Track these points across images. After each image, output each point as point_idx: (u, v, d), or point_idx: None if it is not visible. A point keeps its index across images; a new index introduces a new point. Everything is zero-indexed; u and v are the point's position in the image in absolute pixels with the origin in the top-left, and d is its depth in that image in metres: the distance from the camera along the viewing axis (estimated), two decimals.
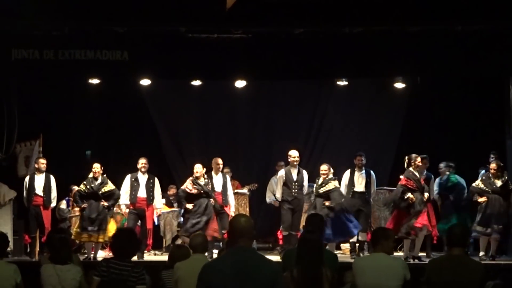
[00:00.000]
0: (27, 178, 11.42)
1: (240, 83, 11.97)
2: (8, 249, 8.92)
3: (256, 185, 12.67)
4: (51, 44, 10.55)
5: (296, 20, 10.37)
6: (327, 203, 10.84)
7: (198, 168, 11.16)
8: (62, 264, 6.14)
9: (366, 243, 11.22)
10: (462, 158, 12.29)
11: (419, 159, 10.76)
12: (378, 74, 11.54)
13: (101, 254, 11.36)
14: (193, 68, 11.00)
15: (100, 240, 10.85)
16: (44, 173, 11.35)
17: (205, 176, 11.23)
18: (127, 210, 11.43)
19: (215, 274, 4.06)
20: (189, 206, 11.01)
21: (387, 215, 11.60)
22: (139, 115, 13.63)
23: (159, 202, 11.55)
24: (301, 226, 11.01)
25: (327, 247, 9.66)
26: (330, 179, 11.05)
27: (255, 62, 10.91)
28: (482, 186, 10.71)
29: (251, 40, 10.69)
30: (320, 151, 13.51)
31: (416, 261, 10.45)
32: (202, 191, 11.04)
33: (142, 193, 11.20)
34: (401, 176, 10.84)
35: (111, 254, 8.42)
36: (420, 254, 10.75)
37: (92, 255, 10.95)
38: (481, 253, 10.59)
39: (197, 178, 11.13)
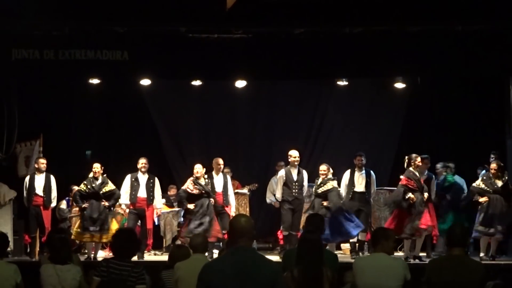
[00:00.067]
0: (27, 178, 11.42)
1: (240, 83, 11.97)
2: (8, 249, 8.90)
3: (256, 185, 12.67)
4: (51, 44, 10.55)
5: (296, 20, 10.37)
6: (325, 203, 10.84)
7: (199, 168, 11.16)
8: (62, 264, 6.14)
9: (366, 243, 11.23)
10: (462, 158, 12.30)
11: (419, 159, 10.77)
12: (378, 74, 11.54)
13: (101, 254, 11.36)
14: (193, 68, 11.00)
15: (104, 240, 10.85)
16: (44, 173, 11.35)
17: (205, 176, 11.23)
18: (127, 210, 11.43)
19: (215, 274, 4.06)
20: (191, 206, 11.01)
21: (387, 215, 11.61)
22: (139, 115, 13.63)
23: (159, 202, 11.55)
24: (301, 226, 11.01)
25: (327, 247, 9.66)
26: (329, 179, 11.05)
27: (255, 62, 10.91)
28: (483, 186, 10.71)
29: (251, 40, 10.70)
30: (320, 151, 13.51)
31: (417, 261, 10.45)
32: (203, 191, 11.03)
33: (142, 193, 11.20)
34: (401, 176, 10.85)
35: (111, 254, 8.42)
36: (420, 254, 10.75)
37: (92, 255, 10.94)
38: (482, 254, 10.58)
39: (198, 178, 11.12)
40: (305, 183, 11.26)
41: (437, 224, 10.97)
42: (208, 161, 11.91)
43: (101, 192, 10.93)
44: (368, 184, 11.20)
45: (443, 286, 5.31)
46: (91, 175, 11.06)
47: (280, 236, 11.22)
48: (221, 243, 11.08)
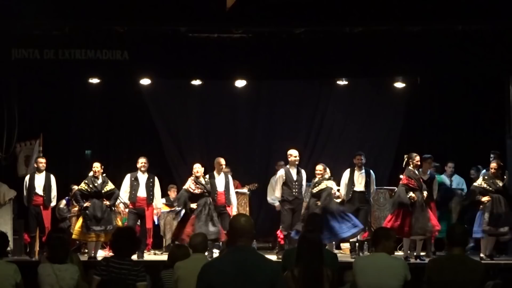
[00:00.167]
0: (27, 178, 11.42)
1: (240, 83, 11.97)
2: (8, 248, 8.90)
3: (256, 184, 12.66)
4: (51, 44, 10.55)
5: (296, 20, 10.37)
6: (319, 203, 10.85)
7: (198, 168, 11.16)
8: (60, 263, 6.13)
9: (365, 242, 11.23)
10: (462, 157, 12.31)
11: (418, 158, 10.78)
12: (378, 73, 11.56)
13: (101, 254, 11.36)
14: (193, 67, 11.01)
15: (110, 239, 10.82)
16: (44, 173, 11.35)
17: (204, 175, 11.22)
18: (126, 210, 11.43)
19: (215, 273, 4.06)
20: (194, 205, 10.98)
21: (387, 215, 11.60)
22: (139, 114, 13.63)
23: (159, 201, 11.55)
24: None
25: (326, 247, 9.66)
26: (324, 179, 11.05)
27: (255, 62, 10.91)
28: (485, 185, 10.70)
29: (251, 39, 10.70)
30: (320, 151, 13.52)
31: (418, 260, 10.46)
32: (204, 191, 11.03)
33: (142, 192, 11.20)
34: (401, 176, 10.87)
35: (111, 253, 8.42)
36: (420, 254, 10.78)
37: (92, 254, 10.94)
38: (482, 254, 10.58)
39: (198, 177, 11.12)
40: (304, 182, 11.25)
41: None
42: (208, 160, 11.91)
43: (103, 191, 10.94)
44: (367, 184, 11.20)
45: (443, 285, 5.31)
46: (91, 174, 11.07)
47: (281, 236, 11.21)
48: (220, 243, 11.08)
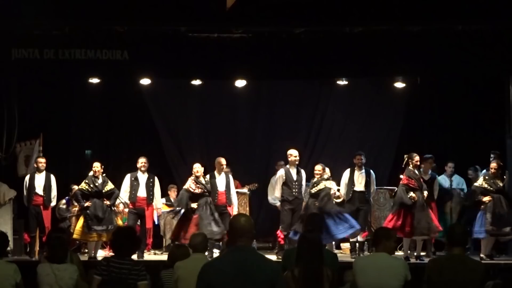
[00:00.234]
0: (27, 178, 11.42)
1: (240, 83, 11.97)
2: (8, 248, 8.91)
3: (256, 185, 12.65)
4: (51, 44, 10.56)
5: (296, 20, 10.37)
6: (317, 203, 10.84)
7: (198, 168, 11.16)
8: (59, 263, 6.13)
9: (365, 242, 11.23)
10: (462, 157, 12.30)
11: (417, 157, 10.78)
12: (378, 73, 11.56)
13: (101, 254, 11.36)
14: (193, 67, 11.01)
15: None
16: (44, 173, 11.35)
17: (204, 175, 11.22)
18: (126, 210, 11.42)
19: (215, 273, 4.06)
20: (194, 205, 10.97)
21: (387, 215, 11.60)
22: (139, 114, 13.63)
23: (159, 201, 11.55)
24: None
25: (326, 247, 9.66)
26: (323, 179, 11.04)
27: (255, 61, 10.91)
28: (486, 185, 10.70)
29: (251, 39, 10.70)
30: (320, 151, 13.51)
31: (419, 260, 10.46)
32: (205, 190, 11.03)
33: (142, 192, 11.20)
34: (401, 176, 10.87)
35: (111, 252, 8.42)
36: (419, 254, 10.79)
37: (93, 254, 10.94)
38: (482, 254, 10.58)
39: (198, 177, 11.12)
40: (304, 182, 11.25)
41: None
42: (208, 160, 11.91)
43: (103, 191, 10.95)
44: (368, 184, 11.20)
45: (443, 285, 5.31)
46: (91, 174, 11.07)
47: (281, 236, 11.20)
48: (220, 243, 11.08)
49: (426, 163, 11.12)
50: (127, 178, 11.26)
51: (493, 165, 10.75)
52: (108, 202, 10.95)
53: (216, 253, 10.62)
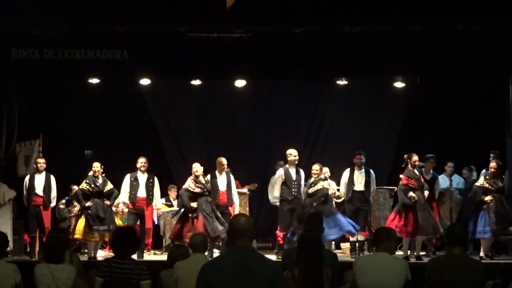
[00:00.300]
0: (27, 178, 11.42)
1: (240, 83, 11.96)
2: (8, 248, 8.91)
3: (256, 185, 12.65)
4: (51, 44, 10.55)
5: (296, 20, 10.37)
6: (314, 204, 10.83)
7: (197, 167, 11.15)
8: (56, 263, 6.12)
9: (365, 242, 11.23)
10: (462, 157, 12.30)
11: (415, 158, 10.78)
12: (377, 73, 11.56)
13: (101, 254, 11.37)
14: (193, 67, 11.01)
15: None
16: (44, 173, 11.34)
17: (205, 175, 11.22)
18: (126, 210, 11.42)
19: (215, 273, 4.06)
20: (194, 204, 10.97)
21: (387, 215, 11.61)
22: (139, 114, 13.62)
23: (158, 201, 11.54)
24: None
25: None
26: (320, 179, 11.04)
27: (255, 61, 10.91)
28: (487, 185, 10.69)
29: (251, 39, 10.70)
30: (320, 151, 13.52)
31: (420, 260, 10.47)
32: (204, 189, 11.02)
33: (141, 192, 11.19)
34: (401, 176, 10.87)
35: (111, 252, 8.41)
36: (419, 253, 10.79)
37: (92, 254, 10.94)
38: (482, 254, 10.58)
39: (197, 177, 11.11)
40: (303, 182, 11.23)
41: None
42: (208, 160, 11.90)
43: (104, 191, 10.95)
44: (367, 183, 11.19)
45: (444, 285, 5.31)
46: (90, 173, 11.07)
47: (280, 236, 11.20)
48: (220, 243, 11.07)
49: (427, 163, 11.13)
50: (127, 178, 11.25)
51: (493, 164, 10.75)
52: (108, 202, 10.96)
53: (216, 253, 10.61)
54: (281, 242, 11.14)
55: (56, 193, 11.48)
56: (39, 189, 11.28)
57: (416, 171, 10.78)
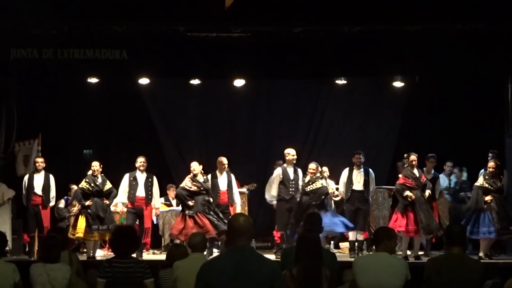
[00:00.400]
0: (26, 177, 11.42)
1: (239, 82, 11.95)
2: (7, 248, 8.91)
3: (255, 185, 12.63)
4: (50, 43, 10.54)
5: (295, 19, 10.36)
6: (313, 202, 10.82)
7: (195, 166, 11.15)
8: (52, 263, 6.12)
9: (364, 242, 11.23)
10: (461, 156, 12.30)
11: (413, 157, 10.78)
12: (377, 73, 11.55)
13: (100, 253, 11.36)
14: (192, 67, 11.00)
15: None
16: (43, 172, 11.34)
17: (203, 172, 11.21)
18: (125, 209, 11.41)
19: (214, 273, 4.05)
20: (191, 203, 10.96)
21: (386, 214, 11.62)
22: (138, 114, 13.62)
23: (157, 201, 11.53)
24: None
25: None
26: (318, 177, 11.04)
27: (254, 61, 10.91)
28: (486, 185, 10.69)
29: (250, 39, 10.69)
30: (319, 150, 13.51)
31: (419, 260, 10.48)
32: (201, 188, 11.01)
33: (140, 192, 11.18)
34: (400, 175, 10.90)
35: (110, 252, 8.40)
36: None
37: (91, 253, 10.94)
38: (481, 253, 10.58)
39: (195, 175, 11.11)
40: (301, 181, 11.23)
41: None
42: (207, 160, 11.89)
43: (104, 190, 10.96)
44: (366, 183, 11.18)
45: (443, 285, 5.31)
46: (89, 173, 11.07)
47: (277, 235, 11.20)
48: (219, 243, 11.07)
49: (428, 162, 11.14)
50: (126, 178, 11.24)
51: (491, 164, 10.75)
52: (107, 202, 10.97)
53: (215, 252, 10.61)
54: (278, 241, 11.14)
55: (55, 192, 11.48)
56: (38, 189, 11.28)
57: (415, 170, 10.78)
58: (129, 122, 13.72)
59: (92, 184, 10.96)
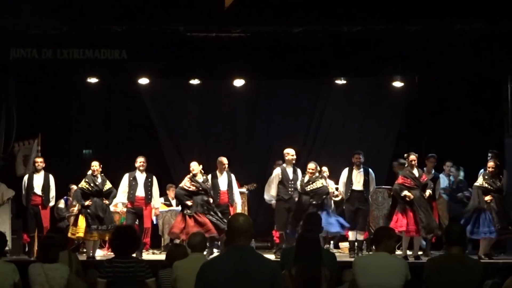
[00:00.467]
0: (25, 177, 11.42)
1: (238, 82, 11.96)
2: (7, 248, 8.90)
3: (255, 185, 12.63)
4: (50, 43, 10.55)
5: (295, 19, 10.37)
6: (313, 202, 10.82)
7: (194, 166, 11.14)
8: (50, 263, 6.11)
9: (364, 242, 11.23)
10: (460, 156, 12.31)
11: (412, 157, 10.78)
12: (376, 72, 11.57)
13: (99, 253, 11.36)
14: (192, 67, 11.01)
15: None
16: (43, 172, 11.34)
17: (203, 172, 11.21)
18: (124, 209, 11.41)
19: (214, 273, 4.05)
20: (189, 203, 10.96)
21: (385, 214, 11.61)
22: (138, 114, 13.62)
23: (157, 201, 11.53)
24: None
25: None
26: (317, 177, 11.04)
27: (254, 61, 10.92)
28: (486, 185, 10.69)
29: (250, 39, 10.70)
30: (318, 150, 13.51)
31: (418, 259, 10.48)
32: (200, 188, 11.01)
33: (140, 192, 11.17)
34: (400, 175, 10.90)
35: (109, 252, 8.39)
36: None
37: (91, 253, 10.93)
38: (480, 253, 10.58)
39: (194, 175, 11.11)
40: (299, 182, 11.23)
41: None
42: (207, 160, 11.89)
43: (103, 190, 10.96)
44: (366, 183, 11.18)
45: (442, 285, 5.30)
46: (89, 173, 11.06)
47: (276, 235, 11.20)
48: (219, 243, 11.06)
49: (428, 162, 11.13)
50: (125, 178, 11.23)
51: (491, 164, 10.75)
52: (107, 202, 10.97)
53: (215, 252, 10.61)
54: (277, 241, 11.14)
55: (55, 192, 11.47)
56: (37, 189, 11.28)
57: (415, 170, 10.78)
58: (129, 122, 13.72)
59: (92, 184, 10.95)
